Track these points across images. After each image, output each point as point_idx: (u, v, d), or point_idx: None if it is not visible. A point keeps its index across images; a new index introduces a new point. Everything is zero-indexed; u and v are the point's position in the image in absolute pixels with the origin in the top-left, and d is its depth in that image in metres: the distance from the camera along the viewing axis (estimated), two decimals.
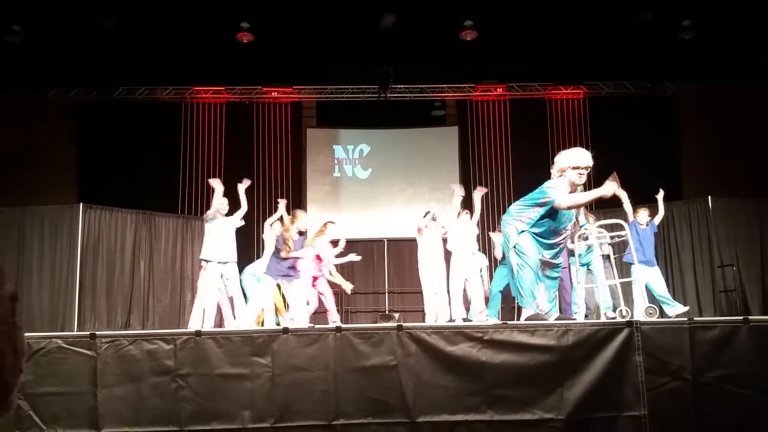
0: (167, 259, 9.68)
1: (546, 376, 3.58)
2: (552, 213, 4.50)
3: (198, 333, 3.59)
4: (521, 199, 4.69)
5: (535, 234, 4.50)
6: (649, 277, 7.05)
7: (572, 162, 4.47)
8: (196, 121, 11.27)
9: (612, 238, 5.98)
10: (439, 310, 7.40)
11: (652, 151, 10.75)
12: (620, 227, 5.88)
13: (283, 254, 6.60)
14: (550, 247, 4.54)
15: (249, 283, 7.40)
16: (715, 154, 10.59)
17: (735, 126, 10.53)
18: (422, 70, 10.85)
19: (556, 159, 4.64)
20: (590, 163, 4.48)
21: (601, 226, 6.37)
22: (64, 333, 4.10)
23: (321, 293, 7.32)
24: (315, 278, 7.23)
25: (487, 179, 11.46)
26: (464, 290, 7.57)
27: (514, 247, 4.54)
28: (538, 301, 4.46)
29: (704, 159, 10.71)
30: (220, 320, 7.16)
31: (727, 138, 10.54)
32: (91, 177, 10.58)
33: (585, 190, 4.76)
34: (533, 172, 11.23)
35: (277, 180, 11.33)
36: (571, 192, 4.51)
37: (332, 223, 7.61)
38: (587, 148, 11.73)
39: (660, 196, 7.52)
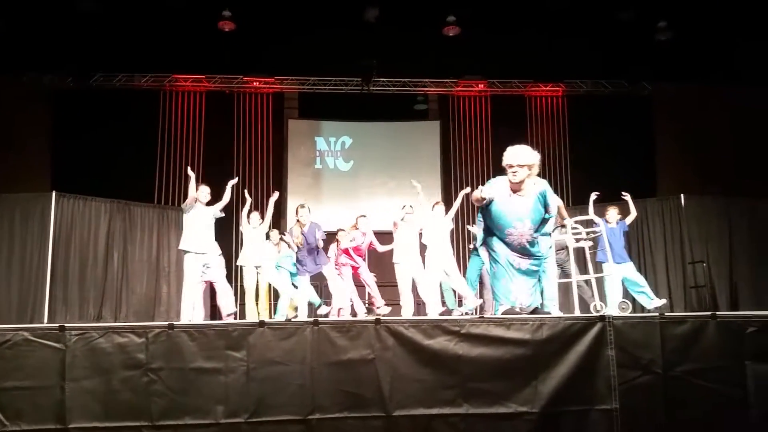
0: (143, 249, 9.53)
1: (521, 369, 3.59)
2: (486, 214, 4.56)
3: (171, 326, 3.52)
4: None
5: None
6: (624, 273, 7.12)
7: (504, 160, 4.50)
8: (174, 109, 11.13)
9: (587, 234, 6.02)
10: (426, 300, 7.38)
11: (627, 149, 10.87)
12: (594, 223, 5.93)
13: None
14: (508, 245, 4.52)
15: (280, 275, 7.65)
16: (689, 153, 10.73)
17: (708, 126, 10.70)
18: (405, 64, 10.84)
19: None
20: (519, 161, 4.41)
21: (576, 222, 6.41)
22: (32, 325, 4.00)
23: (365, 282, 7.80)
24: (356, 269, 7.73)
25: (468, 174, 11.50)
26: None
27: (485, 244, 4.59)
28: (515, 295, 4.47)
29: (678, 158, 10.84)
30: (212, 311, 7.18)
31: (700, 137, 10.69)
32: (65, 165, 10.40)
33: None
34: None
35: (258, 171, 11.23)
36: (511, 188, 4.50)
37: (363, 216, 8.08)
38: (565, 145, 11.83)
39: (627, 197, 7.50)
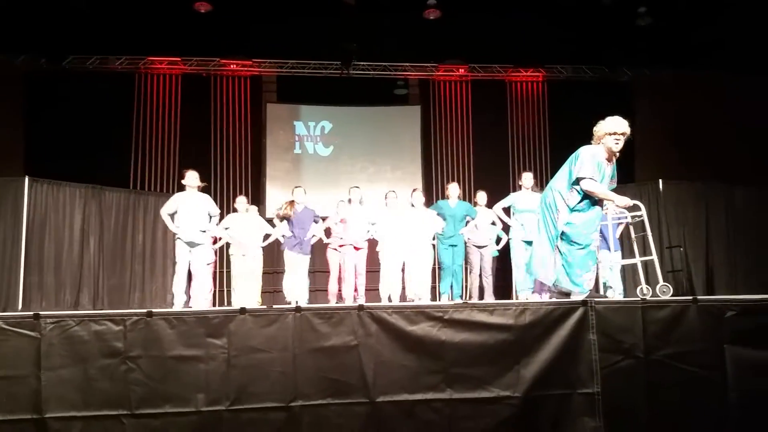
0: (118, 235, 9.39)
1: (503, 354, 3.61)
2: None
3: (149, 314, 3.47)
4: (562, 175, 4.66)
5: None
6: (616, 260, 7.19)
7: (609, 128, 4.51)
8: (150, 92, 10.94)
9: (633, 218, 6.00)
10: (406, 285, 7.38)
11: None
12: (638, 208, 5.92)
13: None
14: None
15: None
16: (668, 139, 10.82)
17: (686, 112, 10.78)
18: (385, 48, 10.76)
19: (594, 129, 4.64)
20: (627, 129, 4.50)
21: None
22: (5, 314, 3.91)
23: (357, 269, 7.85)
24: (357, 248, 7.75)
25: (449, 158, 11.51)
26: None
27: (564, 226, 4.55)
28: (591, 283, 4.49)
29: (657, 144, 10.93)
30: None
31: (678, 124, 10.78)
32: (38, 149, 10.17)
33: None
34: (493, 153, 11.50)
35: (236, 156, 11.11)
36: (608, 158, 4.54)
37: (343, 201, 8.21)
38: (545, 131, 11.90)
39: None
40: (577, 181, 4.49)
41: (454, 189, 7.70)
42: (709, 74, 10.28)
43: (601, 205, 4.64)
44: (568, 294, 4.50)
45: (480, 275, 7.77)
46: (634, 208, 5.66)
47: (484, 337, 3.61)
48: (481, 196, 7.93)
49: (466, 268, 8.00)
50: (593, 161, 4.47)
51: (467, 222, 7.63)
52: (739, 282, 9.13)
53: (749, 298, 3.74)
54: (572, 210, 4.55)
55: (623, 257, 7.19)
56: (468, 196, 10.51)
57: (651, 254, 5.47)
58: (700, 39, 9.66)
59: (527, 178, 7.27)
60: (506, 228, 7.61)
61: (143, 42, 10.37)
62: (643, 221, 5.61)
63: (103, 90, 10.51)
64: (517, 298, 7.26)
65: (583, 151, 4.54)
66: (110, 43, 10.31)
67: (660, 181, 9.52)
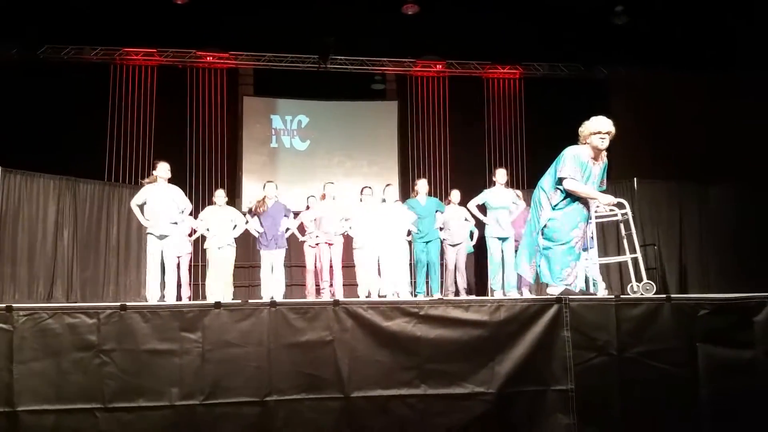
0: (92, 227, 9.27)
1: (478, 350, 3.62)
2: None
3: (123, 307, 3.43)
4: (548, 175, 4.72)
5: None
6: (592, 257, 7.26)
7: (594, 127, 4.55)
8: (125, 84, 10.79)
9: (623, 215, 6.05)
10: (382, 284, 7.36)
11: None
12: (622, 206, 5.96)
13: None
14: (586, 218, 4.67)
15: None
16: (643, 138, 10.93)
17: (662, 111, 10.89)
18: (363, 43, 10.74)
19: (579, 129, 4.68)
20: (612, 128, 4.55)
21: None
22: None
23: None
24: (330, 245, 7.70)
25: (425, 154, 11.54)
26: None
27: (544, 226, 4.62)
28: (569, 278, 4.52)
29: (631, 142, 11.02)
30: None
31: (654, 122, 10.89)
32: (11, 140, 9.94)
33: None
34: (470, 149, 11.54)
35: (212, 149, 11.01)
36: (594, 157, 4.59)
37: (313, 197, 8.26)
38: (521, 128, 11.95)
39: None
40: (560, 181, 4.54)
41: (422, 185, 7.68)
42: (685, 73, 10.39)
43: (587, 204, 4.69)
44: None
45: (455, 272, 7.80)
46: (619, 206, 5.72)
47: (459, 334, 3.61)
48: (455, 195, 7.96)
49: (441, 265, 8.02)
50: (575, 161, 4.53)
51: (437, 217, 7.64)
52: (712, 281, 9.28)
53: (722, 297, 3.80)
54: (554, 208, 4.62)
55: (602, 255, 7.23)
56: (444, 190, 10.54)
57: (635, 252, 5.53)
58: (675, 37, 9.75)
59: (501, 174, 7.32)
60: (480, 224, 7.64)
61: (119, 32, 10.23)
62: (628, 219, 5.68)
63: (78, 81, 10.33)
64: (492, 295, 7.30)
65: (567, 151, 4.61)
66: (86, 33, 10.15)
67: (635, 179, 9.63)
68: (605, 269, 8.43)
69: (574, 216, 4.59)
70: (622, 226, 6.05)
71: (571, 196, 4.59)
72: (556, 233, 4.57)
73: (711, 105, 10.09)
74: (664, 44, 9.96)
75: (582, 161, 4.55)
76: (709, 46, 9.49)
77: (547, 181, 4.71)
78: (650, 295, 4.92)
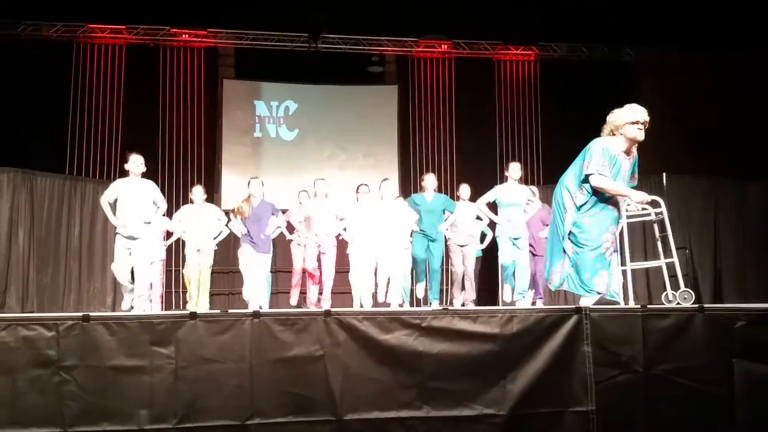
0: (50, 227, 9.24)
1: (488, 367, 3.63)
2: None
3: (86, 318, 3.42)
4: (572, 171, 4.71)
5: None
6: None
7: (630, 116, 4.53)
8: (90, 65, 10.78)
9: (657, 215, 6.04)
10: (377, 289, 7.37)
11: (605, 121, 11.00)
12: (657, 204, 5.95)
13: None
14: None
15: None
16: (674, 129, 10.92)
17: (696, 98, 10.86)
18: (359, 20, 10.72)
19: (608, 119, 4.65)
20: (648, 117, 4.54)
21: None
22: None
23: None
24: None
25: (428, 145, 11.54)
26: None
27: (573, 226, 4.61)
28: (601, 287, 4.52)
29: (662, 133, 11.00)
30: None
31: (687, 111, 10.88)
32: None
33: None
34: (479, 140, 11.55)
35: (188, 139, 11.01)
36: (626, 150, 4.58)
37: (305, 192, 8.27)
38: (536, 116, 11.93)
39: None
40: (587, 178, 4.53)
41: (430, 180, 7.67)
42: (722, 54, 10.36)
43: (617, 205, 4.68)
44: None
45: (462, 277, 7.80)
46: (654, 204, 5.71)
47: (466, 348, 3.62)
48: (464, 190, 7.96)
49: (445, 270, 8.02)
50: (604, 155, 4.51)
51: (446, 217, 7.64)
52: (750, 289, 9.26)
53: (761, 306, 3.81)
54: (579, 209, 4.60)
55: (632, 259, 7.15)
56: (450, 188, 10.55)
57: (672, 256, 5.53)
58: (714, 13, 9.65)
59: (514, 169, 7.31)
60: (492, 224, 7.65)
61: (82, 6, 10.21)
62: (663, 219, 5.67)
63: (36, 62, 10.31)
64: (503, 304, 7.30)
65: (595, 143, 4.59)
66: (44, 8, 10.12)
67: (663, 174, 9.63)
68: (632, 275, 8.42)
69: (604, 219, 4.58)
70: (655, 226, 6.03)
71: (598, 195, 4.56)
72: (584, 237, 4.54)
73: (750, 91, 10.06)
74: (700, 21, 9.88)
75: (612, 155, 4.53)
76: (754, 24, 9.40)
77: (570, 178, 4.67)
78: (688, 305, 4.91)
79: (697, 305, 3.84)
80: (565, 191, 4.67)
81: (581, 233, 4.56)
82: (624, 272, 6.17)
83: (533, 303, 7.25)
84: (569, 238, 4.61)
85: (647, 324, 3.69)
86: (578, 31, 11.07)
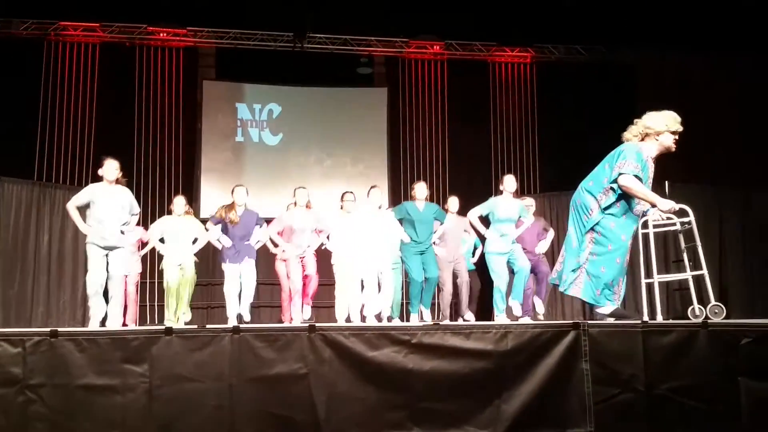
0: (17, 236, 9.18)
1: (481, 386, 3.64)
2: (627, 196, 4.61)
3: (54, 333, 3.40)
4: (595, 176, 4.74)
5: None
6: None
7: (671, 125, 4.60)
8: (61, 64, 10.73)
9: (682, 225, 6.05)
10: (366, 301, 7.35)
11: (605, 127, 11.02)
12: (685, 213, 5.95)
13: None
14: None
15: None
16: (677, 135, 10.98)
17: (698, 102, 10.92)
18: (347, 18, 10.74)
19: (643, 118, 4.68)
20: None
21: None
22: None
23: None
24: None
25: (419, 151, 11.54)
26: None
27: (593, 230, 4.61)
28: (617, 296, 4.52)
29: None
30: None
31: (690, 116, 10.89)
32: None
33: None
34: (472, 145, 11.58)
35: (165, 143, 10.97)
36: (657, 156, 4.67)
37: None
38: (533, 121, 11.97)
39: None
40: (615, 180, 4.54)
41: (421, 189, 7.64)
42: (727, 57, 10.41)
43: (638, 218, 4.70)
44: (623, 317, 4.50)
45: (459, 290, 7.80)
46: (681, 213, 5.70)
47: (458, 366, 3.63)
48: (453, 202, 7.96)
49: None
50: (639, 158, 4.54)
51: (435, 229, 7.63)
52: (757, 304, 9.29)
53: None
54: (604, 210, 4.60)
55: (659, 272, 7.10)
56: (442, 196, 10.55)
57: (702, 268, 5.55)
58: (719, 14, 9.71)
59: (509, 182, 7.30)
60: (482, 239, 7.65)
61: (54, 2, 10.18)
62: (691, 229, 5.68)
63: (4, 60, 10.26)
64: (496, 320, 7.30)
65: (629, 146, 4.62)
66: (13, 3, 10.08)
67: (666, 183, 9.67)
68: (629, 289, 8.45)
69: (629, 225, 4.61)
70: (680, 237, 6.05)
71: (625, 199, 4.58)
72: (607, 239, 4.53)
73: (755, 95, 10.11)
74: (702, 21, 9.94)
75: (643, 160, 4.57)
76: (760, 26, 9.45)
77: (593, 181, 4.70)
78: (718, 320, 4.91)
79: (700, 321, 3.85)
80: (588, 195, 4.68)
81: (604, 234, 4.56)
82: (650, 285, 6.18)
83: (522, 316, 7.25)
84: (592, 240, 4.59)
85: (649, 340, 3.70)
86: (576, 32, 11.13)
